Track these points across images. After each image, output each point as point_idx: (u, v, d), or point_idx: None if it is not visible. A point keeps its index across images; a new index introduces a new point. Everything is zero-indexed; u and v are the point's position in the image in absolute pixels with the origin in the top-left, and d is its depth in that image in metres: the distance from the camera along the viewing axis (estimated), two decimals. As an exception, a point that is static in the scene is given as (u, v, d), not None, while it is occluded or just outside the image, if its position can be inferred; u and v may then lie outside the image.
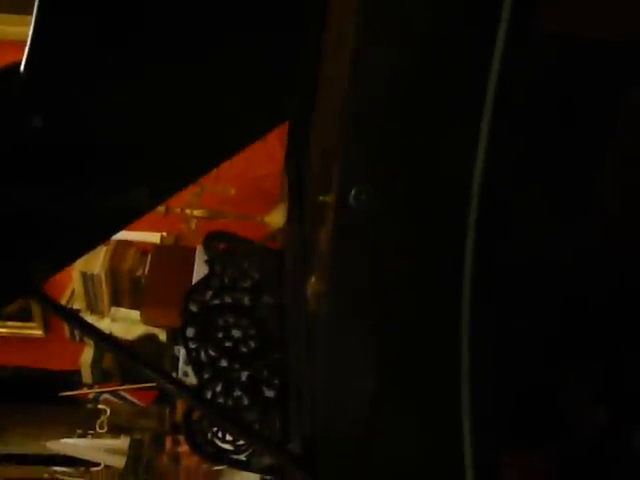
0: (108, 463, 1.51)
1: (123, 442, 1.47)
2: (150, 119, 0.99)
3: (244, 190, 2.11)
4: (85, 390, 2.70)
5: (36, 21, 0.70)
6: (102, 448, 1.59)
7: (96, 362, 2.76)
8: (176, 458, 1.54)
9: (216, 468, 1.62)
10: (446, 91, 0.67)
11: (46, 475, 1.85)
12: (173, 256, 2.24)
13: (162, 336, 2.34)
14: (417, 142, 0.71)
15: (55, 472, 1.63)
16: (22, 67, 0.73)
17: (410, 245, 0.72)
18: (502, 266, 0.74)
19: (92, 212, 1.01)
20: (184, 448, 1.67)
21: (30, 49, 0.72)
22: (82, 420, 2.57)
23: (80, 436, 2.36)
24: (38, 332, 2.97)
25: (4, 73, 0.76)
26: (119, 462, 1.41)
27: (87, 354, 2.80)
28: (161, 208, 1.97)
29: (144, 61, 0.87)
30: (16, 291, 1.05)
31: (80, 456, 1.62)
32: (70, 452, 1.64)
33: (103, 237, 1.24)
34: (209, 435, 1.17)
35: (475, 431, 0.81)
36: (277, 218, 1.90)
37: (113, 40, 0.81)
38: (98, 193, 0.99)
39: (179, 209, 2.01)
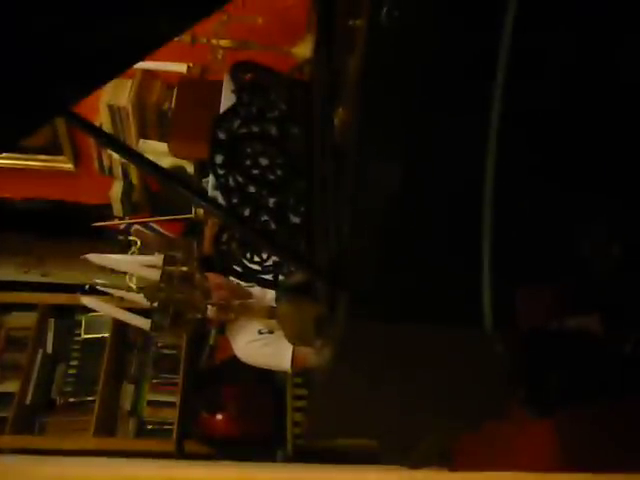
0: (145, 275, 1.59)
1: (159, 258, 1.54)
2: None
3: (271, 21, 2.06)
4: (116, 221, 2.78)
5: None
6: (140, 263, 1.67)
7: (126, 195, 2.82)
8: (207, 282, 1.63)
9: (241, 288, 1.71)
10: None
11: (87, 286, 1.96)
12: (200, 89, 2.23)
13: (190, 169, 2.37)
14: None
15: (96, 283, 1.73)
16: None
17: (444, 59, 0.71)
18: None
19: (117, 37, 1.01)
20: (212, 276, 1.75)
21: None
22: (115, 251, 2.68)
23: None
24: (68, 166, 3.01)
25: None
26: (155, 275, 1.50)
27: (117, 187, 2.85)
28: (187, 38, 1.93)
29: None
30: (48, 111, 1.07)
31: (119, 269, 1.71)
32: (110, 265, 1.73)
33: (128, 62, 1.24)
34: (238, 256, 1.22)
35: (494, 260, 0.84)
36: (304, 49, 1.87)
37: None
38: (122, 17, 0.98)
39: (205, 39, 1.97)
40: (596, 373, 1.30)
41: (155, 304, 1.40)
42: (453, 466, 1.92)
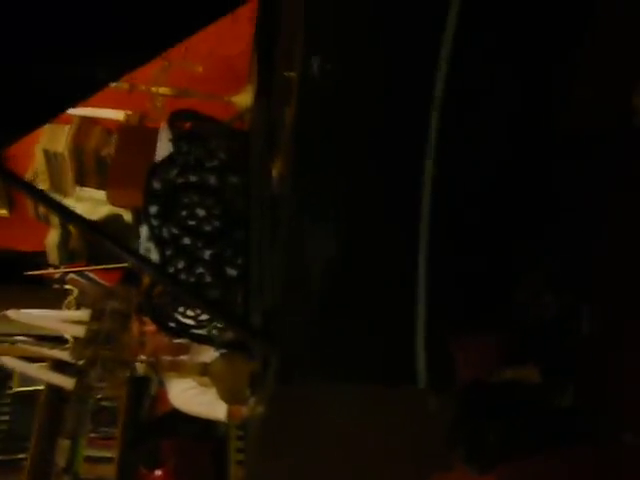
0: (70, 333, 1.53)
1: (85, 313, 1.49)
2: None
3: (212, 69, 2.05)
4: (51, 270, 2.69)
5: None
6: (64, 318, 1.61)
7: (62, 243, 2.75)
8: (142, 335, 1.57)
9: (177, 341, 1.65)
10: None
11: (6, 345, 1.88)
12: (140, 136, 2.19)
13: (127, 217, 2.32)
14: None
15: (16, 341, 1.65)
16: None
17: (375, 113, 0.71)
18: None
19: (52, 82, 0.97)
20: (150, 327, 1.69)
21: None
22: (49, 300, 2.58)
23: (48, 315, 2.37)
24: (2, 211, 2.88)
25: None
26: (81, 332, 1.43)
27: (53, 235, 2.77)
28: (126, 85, 1.90)
29: None
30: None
31: (40, 325, 1.64)
32: (30, 321, 1.66)
33: (62, 108, 1.20)
34: (171, 310, 1.18)
35: (428, 314, 0.82)
36: (245, 99, 1.86)
37: None
38: (58, 63, 0.95)
39: (144, 86, 1.94)
40: (535, 425, 1.29)
41: (81, 362, 1.34)
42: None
